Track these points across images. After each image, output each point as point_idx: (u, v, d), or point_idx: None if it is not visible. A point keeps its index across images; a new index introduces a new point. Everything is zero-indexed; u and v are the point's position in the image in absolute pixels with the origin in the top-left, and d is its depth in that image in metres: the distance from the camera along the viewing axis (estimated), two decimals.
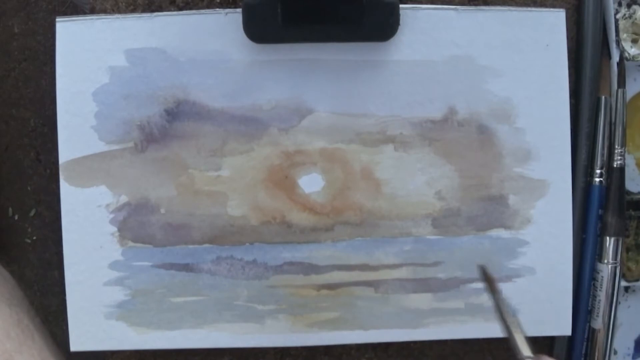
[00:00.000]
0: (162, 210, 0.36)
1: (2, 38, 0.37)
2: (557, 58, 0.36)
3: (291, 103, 0.35)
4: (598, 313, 0.37)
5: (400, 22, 0.34)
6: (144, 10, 0.36)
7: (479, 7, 0.35)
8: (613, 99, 0.37)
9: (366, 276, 0.36)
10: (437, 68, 0.35)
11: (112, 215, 0.35)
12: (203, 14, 0.35)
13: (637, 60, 0.37)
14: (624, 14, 0.37)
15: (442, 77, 0.35)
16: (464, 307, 0.36)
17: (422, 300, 0.36)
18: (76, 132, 0.35)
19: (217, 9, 0.35)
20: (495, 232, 0.36)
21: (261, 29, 0.34)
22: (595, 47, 0.36)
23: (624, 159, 0.37)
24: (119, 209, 0.35)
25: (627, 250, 0.38)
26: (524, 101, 0.36)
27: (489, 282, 0.32)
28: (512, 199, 0.36)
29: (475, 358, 0.38)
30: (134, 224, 0.35)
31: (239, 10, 0.34)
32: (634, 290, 0.39)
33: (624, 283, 0.38)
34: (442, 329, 0.36)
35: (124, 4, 0.36)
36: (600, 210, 0.37)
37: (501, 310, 0.30)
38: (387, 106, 0.35)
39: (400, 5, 0.34)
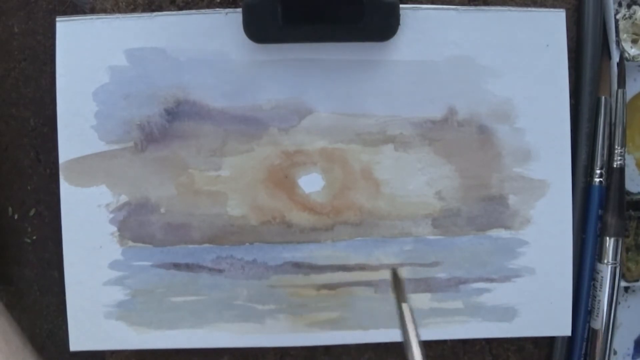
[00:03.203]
0: (162, 210, 0.36)
1: (2, 38, 0.37)
2: (557, 58, 0.36)
3: (291, 103, 0.35)
4: (598, 313, 0.37)
5: (400, 22, 0.34)
6: (144, 10, 0.36)
7: (479, 7, 0.35)
8: (613, 99, 0.37)
9: (366, 276, 0.36)
10: (437, 68, 0.35)
11: (112, 215, 0.35)
12: (203, 13, 0.35)
13: (637, 61, 0.37)
14: (624, 15, 0.37)
15: (442, 77, 0.35)
16: (464, 307, 0.36)
17: (421, 301, 0.36)
18: (76, 132, 0.35)
19: (217, 9, 0.35)
20: (495, 232, 0.36)
21: (261, 29, 0.34)
22: (595, 47, 0.36)
23: (624, 159, 0.37)
24: (119, 208, 0.35)
25: (627, 250, 0.38)
26: (524, 101, 0.36)
27: (398, 285, 0.32)
28: (512, 199, 0.36)
29: (475, 358, 0.38)
30: (134, 224, 0.35)
31: (239, 10, 0.34)
32: (633, 291, 0.39)
33: (623, 283, 0.38)
34: (442, 329, 0.36)
35: (124, 3, 0.36)
36: (600, 211, 0.37)
37: (403, 317, 0.30)
38: (387, 106, 0.36)
39: (400, 5, 0.34)
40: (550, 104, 0.36)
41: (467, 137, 0.36)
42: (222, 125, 0.35)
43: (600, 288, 0.37)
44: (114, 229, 0.35)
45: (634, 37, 0.37)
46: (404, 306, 0.30)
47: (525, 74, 0.35)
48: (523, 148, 0.36)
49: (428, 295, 0.36)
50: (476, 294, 0.36)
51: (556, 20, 0.35)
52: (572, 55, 0.36)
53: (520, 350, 0.38)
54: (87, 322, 0.36)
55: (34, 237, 0.38)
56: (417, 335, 0.29)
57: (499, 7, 0.35)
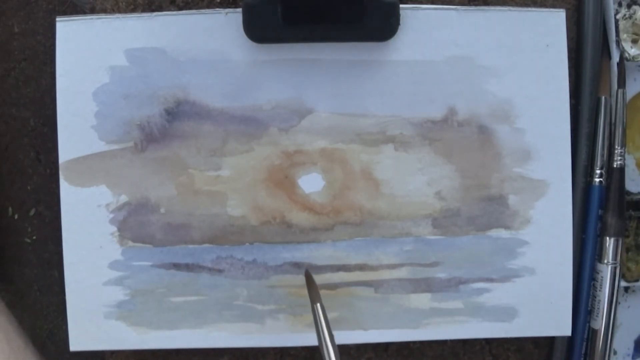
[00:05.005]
0: (162, 210, 0.36)
1: (2, 38, 0.37)
2: (557, 58, 0.36)
3: (291, 103, 0.35)
4: (598, 313, 0.37)
5: (400, 22, 0.34)
6: (144, 10, 0.36)
7: (479, 7, 0.35)
8: (613, 99, 0.37)
9: (366, 276, 0.36)
10: (437, 68, 0.35)
11: (112, 215, 0.35)
12: (203, 13, 0.35)
13: (637, 61, 0.37)
14: (624, 14, 0.37)
15: (442, 77, 0.35)
16: (464, 307, 0.36)
17: (421, 301, 0.36)
18: (76, 132, 0.35)
19: (217, 9, 0.35)
20: (495, 232, 0.36)
21: (261, 29, 0.34)
22: (595, 47, 0.36)
23: (624, 159, 0.37)
24: (119, 208, 0.35)
25: (627, 250, 0.38)
26: (524, 101, 0.36)
27: (310, 286, 0.33)
28: (512, 199, 0.36)
29: (475, 358, 0.38)
30: (134, 224, 0.35)
31: (239, 10, 0.34)
32: (633, 291, 0.39)
33: (623, 283, 0.38)
34: (442, 329, 0.36)
35: (124, 3, 0.36)
36: (600, 211, 0.37)
37: (316, 318, 0.31)
38: (387, 106, 0.36)
39: (400, 5, 0.34)
40: (550, 104, 0.36)
41: (467, 137, 0.36)
42: (222, 125, 0.35)
43: (600, 288, 0.37)
44: (114, 229, 0.35)
45: (634, 37, 0.37)
46: (317, 307, 0.32)
47: (525, 74, 0.35)
48: (523, 148, 0.36)
49: (428, 295, 0.36)
50: (476, 294, 0.36)
51: (556, 20, 0.35)
52: (572, 55, 0.36)
53: (520, 350, 0.38)
54: (87, 322, 0.36)
55: (34, 237, 0.38)
56: (331, 334, 0.31)
57: (499, 7, 0.35)
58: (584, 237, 0.37)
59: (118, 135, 0.35)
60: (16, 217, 0.38)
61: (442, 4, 0.35)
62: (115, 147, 0.35)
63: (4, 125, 0.37)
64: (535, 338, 0.38)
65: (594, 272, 0.37)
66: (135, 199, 0.35)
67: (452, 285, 0.36)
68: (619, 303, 0.38)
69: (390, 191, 0.36)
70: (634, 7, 0.37)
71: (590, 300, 0.37)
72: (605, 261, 0.37)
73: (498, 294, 0.36)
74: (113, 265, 0.36)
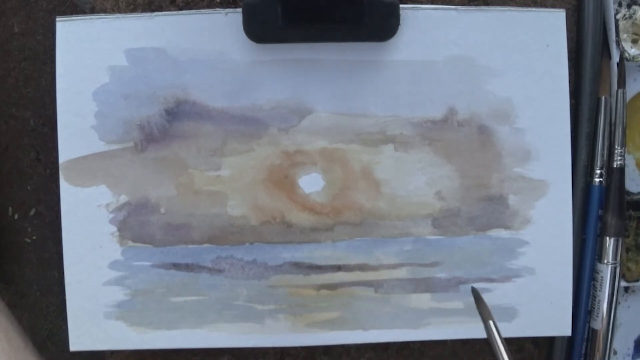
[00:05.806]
0: (162, 210, 0.36)
1: (2, 38, 0.37)
2: (557, 58, 0.36)
3: (291, 103, 0.35)
4: (598, 313, 0.37)
5: (400, 22, 0.34)
6: (144, 10, 0.36)
7: (479, 7, 0.35)
8: (613, 99, 0.37)
9: (366, 276, 0.36)
10: (437, 68, 0.35)
11: (112, 215, 0.35)
12: (203, 13, 0.35)
13: (637, 61, 0.37)
14: (624, 14, 0.37)
15: (442, 77, 0.35)
16: (464, 307, 0.36)
17: (421, 301, 0.36)
18: (76, 132, 0.35)
19: (217, 9, 0.35)
20: (495, 232, 0.36)
21: (261, 29, 0.34)
22: (595, 47, 0.36)
23: (624, 159, 0.37)
24: (119, 208, 0.35)
25: (627, 250, 0.38)
26: (524, 101, 0.36)
27: (480, 303, 0.32)
28: (512, 199, 0.36)
29: (475, 358, 0.38)
30: (134, 224, 0.35)
31: (239, 10, 0.34)
32: (633, 291, 0.39)
33: (623, 283, 0.38)
34: (442, 329, 0.36)
35: (124, 3, 0.36)
36: (600, 211, 0.37)
37: (491, 334, 0.30)
38: (387, 106, 0.36)
39: (400, 5, 0.34)
40: (550, 104, 0.36)
41: (467, 137, 0.36)
42: (222, 125, 0.35)
43: (600, 288, 0.37)
44: (114, 229, 0.35)
45: (634, 37, 0.37)
46: (490, 324, 0.30)
47: (525, 74, 0.35)
48: (523, 148, 0.36)
49: (428, 295, 0.36)
50: None
51: (556, 20, 0.35)
52: (572, 55, 0.36)
53: (520, 350, 0.38)
54: (87, 322, 0.36)
55: (34, 237, 0.38)
56: (508, 353, 0.29)
57: (499, 7, 0.35)
58: (584, 237, 0.37)
59: (118, 135, 0.35)
60: (16, 217, 0.38)
61: (442, 4, 0.35)
62: (115, 147, 0.35)
63: (4, 125, 0.37)
64: (535, 338, 0.38)
65: (594, 272, 0.37)
66: (135, 199, 0.35)
67: (452, 285, 0.36)
68: (619, 303, 0.38)
69: (390, 191, 0.36)
70: (634, 7, 0.37)
71: (590, 300, 0.37)
72: (605, 261, 0.37)
73: (498, 294, 0.36)
74: (113, 265, 0.36)
